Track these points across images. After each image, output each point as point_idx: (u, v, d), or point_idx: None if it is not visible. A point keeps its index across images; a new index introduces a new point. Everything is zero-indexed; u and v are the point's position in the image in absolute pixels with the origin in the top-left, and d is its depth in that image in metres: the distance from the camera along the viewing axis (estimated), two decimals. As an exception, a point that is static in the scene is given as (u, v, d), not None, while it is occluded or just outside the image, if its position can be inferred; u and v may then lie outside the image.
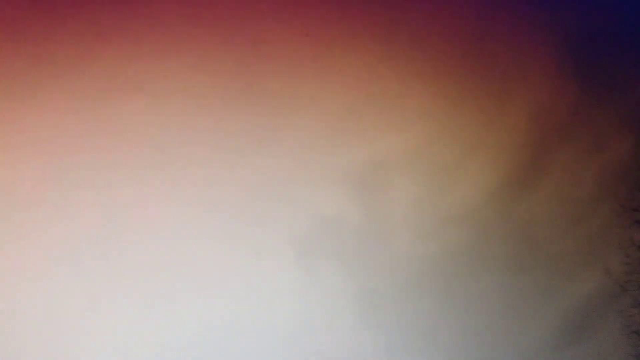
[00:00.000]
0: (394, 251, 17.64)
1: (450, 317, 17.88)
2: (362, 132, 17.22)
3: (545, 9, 18.10)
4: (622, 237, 19.20)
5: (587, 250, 18.83)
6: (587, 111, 18.75)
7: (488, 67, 17.88)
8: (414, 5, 17.14)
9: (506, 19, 17.78)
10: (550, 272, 18.65)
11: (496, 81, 17.98)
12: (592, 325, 18.86)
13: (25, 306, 15.85)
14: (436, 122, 17.53)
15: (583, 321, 18.86)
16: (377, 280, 17.50)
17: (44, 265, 16.03)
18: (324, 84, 16.97)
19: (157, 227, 16.45)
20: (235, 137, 16.63)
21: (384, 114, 17.29)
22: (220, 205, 16.60)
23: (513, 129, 18.09)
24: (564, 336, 18.56)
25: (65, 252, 16.11)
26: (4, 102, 15.59)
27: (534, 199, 18.50)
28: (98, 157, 16.09)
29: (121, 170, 16.21)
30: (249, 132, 16.71)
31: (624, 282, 19.31)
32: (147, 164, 16.25)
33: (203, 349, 16.27)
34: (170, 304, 16.40)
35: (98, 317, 15.98)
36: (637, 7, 18.57)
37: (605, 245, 18.89)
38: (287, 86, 16.75)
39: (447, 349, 17.78)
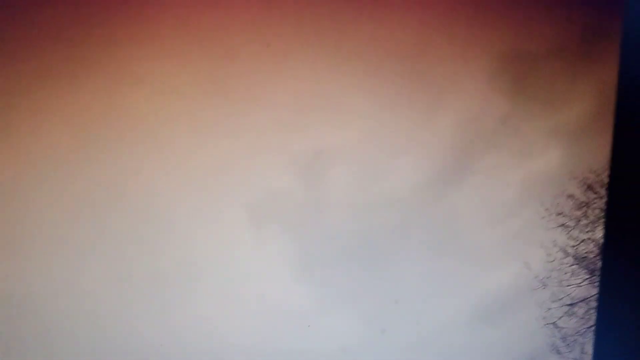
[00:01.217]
0: (329, 224, 21.07)
1: (374, 284, 20.84)
2: (308, 126, 20.89)
3: (481, 28, 21.07)
4: (545, 238, 21.14)
5: (509, 245, 20.92)
6: (516, 122, 21.15)
7: (421, 78, 20.98)
8: (358, 24, 20.82)
9: (442, 36, 20.77)
10: (470, 260, 20.95)
11: (428, 91, 21.01)
12: (510, 313, 20.77)
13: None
14: (370, 123, 20.89)
15: (501, 307, 20.81)
16: (313, 246, 20.98)
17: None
18: (279, 87, 20.99)
19: (146, 191, 21.24)
20: (208, 123, 20.96)
21: (327, 113, 20.92)
22: (192, 174, 21.15)
23: (440, 134, 20.95)
24: (481, 317, 20.70)
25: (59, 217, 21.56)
26: (44, 88, 21.62)
27: (459, 196, 21.03)
28: (106, 135, 21.48)
29: (121, 145, 21.29)
30: (219, 120, 21.12)
31: (544, 278, 21.08)
32: (141, 141, 21.00)
33: (170, 283, 20.82)
34: (154, 243, 21.15)
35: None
36: (575, 24, 20.92)
37: (527, 244, 20.90)
38: (250, 86, 21.01)
39: (368, 310, 20.74)
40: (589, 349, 20.46)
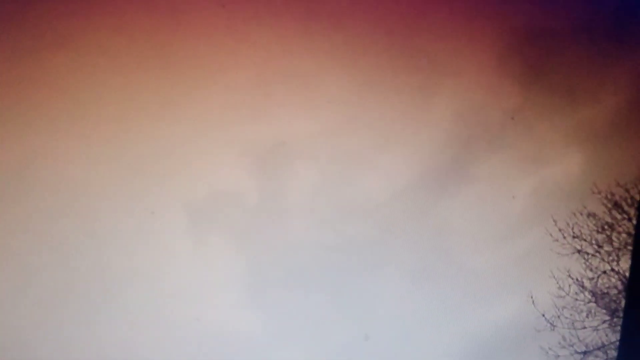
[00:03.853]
0: (287, 234, 16.91)
1: (340, 314, 16.71)
2: (267, 109, 16.77)
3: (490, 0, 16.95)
4: (556, 267, 17.01)
5: (511, 273, 16.75)
6: (528, 118, 17.01)
7: (413, 56, 16.77)
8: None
9: (441, 5, 16.74)
10: (462, 289, 16.77)
11: (422, 74, 16.80)
12: (508, 359, 16.68)
13: None
14: (347, 109, 16.70)
15: (496, 351, 16.70)
16: (266, 260, 16.85)
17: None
18: (234, 56, 16.88)
19: (60, 178, 17.10)
20: (144, 96, 16.85)
21: (293, 93, 16.75)
22: (120, 161, 16.99)
23: (433, 127, 16.72)
24: (470, 362, 16.58)
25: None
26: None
27: (452, 208, 16.87)
28: (15, 106, 17.29)
29: (39, 114, 17.30)
30: (157, 94, 16.86)
31: (553, 317, 16.97)
32: (57, 116, 16.91)
33: (80, 294, 16.68)
34: (65, 244, 17.03)
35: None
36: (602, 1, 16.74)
37: (533, 272, 16.75)
38: (198, 54, 16.84)
39: (331, 346, 16.59)
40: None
